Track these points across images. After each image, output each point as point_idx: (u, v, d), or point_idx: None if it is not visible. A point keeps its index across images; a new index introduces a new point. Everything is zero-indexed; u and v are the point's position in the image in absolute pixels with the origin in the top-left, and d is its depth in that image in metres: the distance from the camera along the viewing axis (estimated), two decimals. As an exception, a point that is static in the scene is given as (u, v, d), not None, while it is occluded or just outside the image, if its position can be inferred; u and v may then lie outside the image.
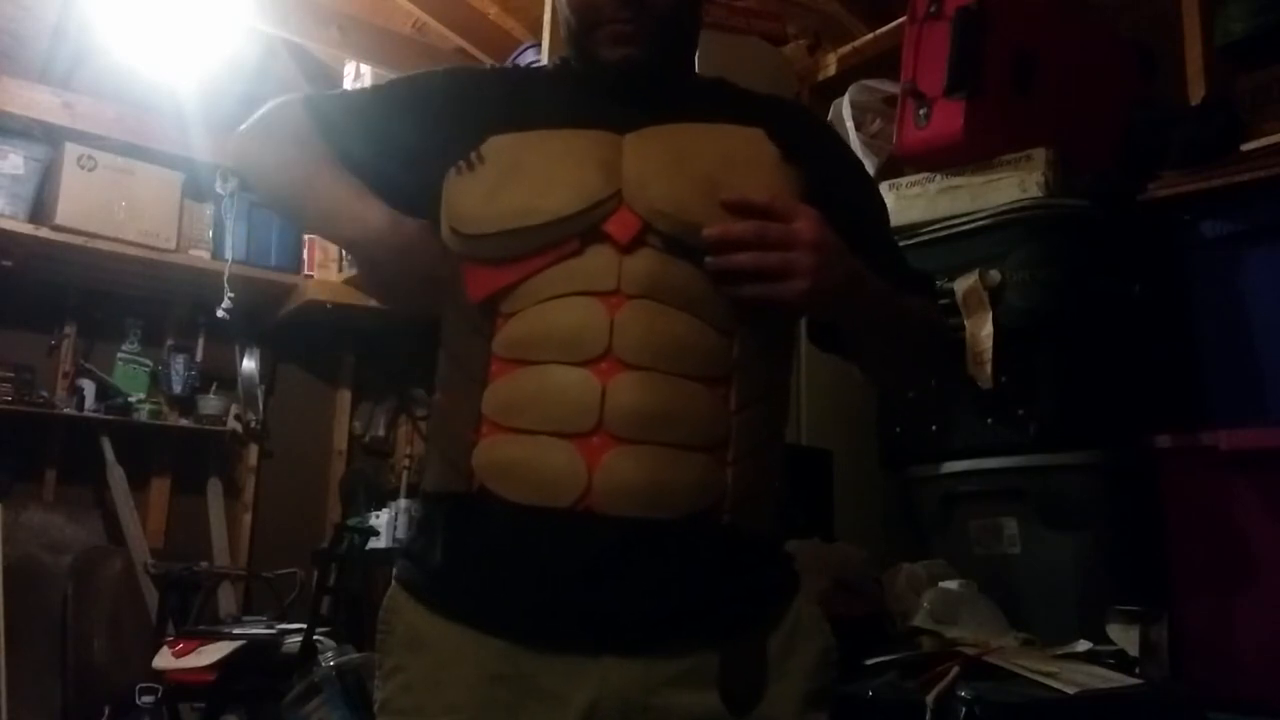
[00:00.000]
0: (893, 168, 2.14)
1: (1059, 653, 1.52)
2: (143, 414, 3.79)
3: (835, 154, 1.20)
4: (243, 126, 1.17)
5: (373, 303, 1.18)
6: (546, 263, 0.98)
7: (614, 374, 0.94)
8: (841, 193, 1.10)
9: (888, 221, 1.25)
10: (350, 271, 3.72)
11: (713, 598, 0.96)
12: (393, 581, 1.05)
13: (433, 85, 1.16)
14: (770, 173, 1.04)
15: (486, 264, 1.00)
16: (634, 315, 0.96)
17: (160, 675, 2.98)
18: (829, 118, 2.35)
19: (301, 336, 4.19)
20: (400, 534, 3.54)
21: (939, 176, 1.95)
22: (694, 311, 0.97)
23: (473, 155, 1.03)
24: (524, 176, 1.02)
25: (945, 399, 1.85)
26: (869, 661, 1.43)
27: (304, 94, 1.21)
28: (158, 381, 3.94)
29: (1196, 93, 2.04)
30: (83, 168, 3.55)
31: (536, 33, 2.88)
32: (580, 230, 0.98)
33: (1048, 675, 1.36)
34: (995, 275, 1.76)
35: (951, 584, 1.64)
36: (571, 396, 0.94)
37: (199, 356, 4.05)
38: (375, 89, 1.24)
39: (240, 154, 1.24)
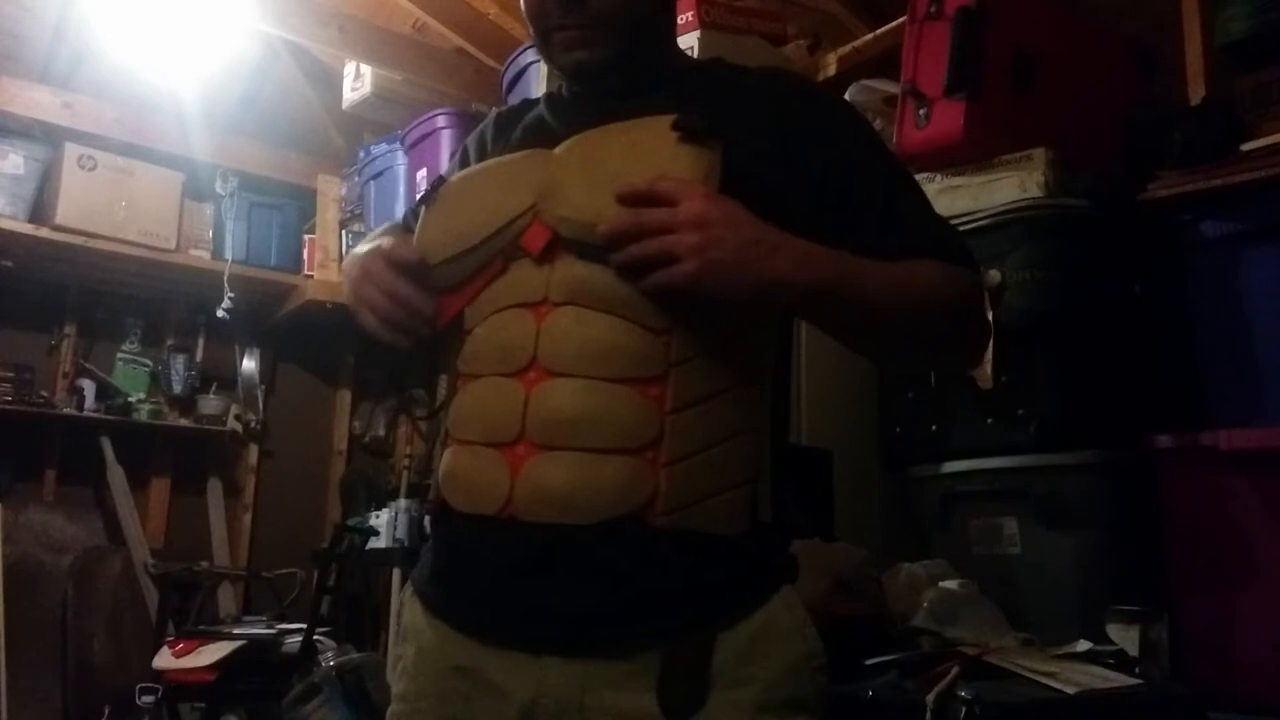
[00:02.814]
0: (893, 168, 2.14)
1: (1059, 653, 1.52)
2: (143, 414, 3.79)
3: (810, 117, 1.09)
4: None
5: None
6: (485, 282, 1.03)
7: (538, 382, 0.97)
8: (807, 159, 1.04)
9: (894, 181, 1.09)
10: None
11: (646, 601, 0.95)
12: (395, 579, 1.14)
13: (467, 148, 1.25)
14: (670, 158, 0.99)
15: (447, 291, 1.06)
16: (558, 322, 0.98)
17: (160, 675, 2.98)
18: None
19: (301, 336, 4.19)
20: (400, 534, 3.54)
21: (939, 176, 1.95)
22: (620, 313, 0.96)
23: (437, 191, 1.12)
24: (462, 206, 1.09)
25: (947, 384, 1.85)
26: (869, 661, 1.43)
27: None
28: (158, 381, 3.94)
29: (1196, 93, 2.04)
30: (83, 168, 3.55)
31: (536, 33, 2.88)
32: (502, 248, 1.02)
33: (1048, 675, 1.36)
34: (995, 275, 1.76)
35: (951, 584, 1.64)
36: (497, 407, 0.98)
37: (199, 356, 4.05)
38: None
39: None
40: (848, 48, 2.73)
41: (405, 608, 1.10)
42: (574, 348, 0.96)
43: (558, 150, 1.05)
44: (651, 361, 0.96)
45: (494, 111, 1.28)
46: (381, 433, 4.38)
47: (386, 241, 1.09)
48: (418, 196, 1.24)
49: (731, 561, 0.99)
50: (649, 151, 1.00)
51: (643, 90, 1.10)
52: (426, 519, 1.18)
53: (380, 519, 3.71)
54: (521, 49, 2.78)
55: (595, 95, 1.12)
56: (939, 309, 1.03)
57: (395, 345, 1.07)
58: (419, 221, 1.13)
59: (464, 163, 1.21)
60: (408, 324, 1.04)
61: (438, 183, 1.14)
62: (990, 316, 1.73)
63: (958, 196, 1.90)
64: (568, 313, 0.98)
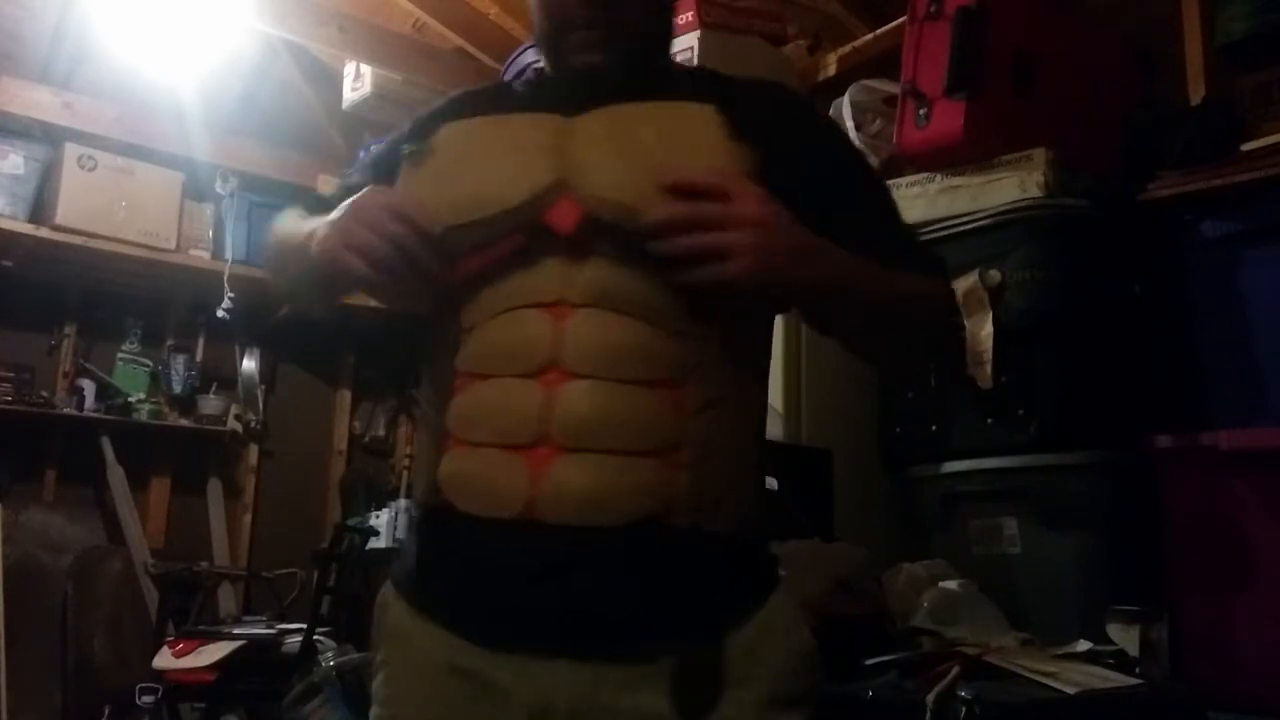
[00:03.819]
0: (893, 168, 2.14)
1: (1059, 653, 1.52)
2: (143, 414, 3.78)
3: (810, 129, 1.14)
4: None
5: (373, 302, 1.12)
6: (496, 256, 0.99)
7: (559, 384, 0.95)
8: (816, 169, 1.06)
9: (880, 195, 1.17)
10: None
11: (665, 602, 0.95)
12: (387, 579, 1.10)
13: (399, 131, 1.19)
14: (714, 150, 1.00)
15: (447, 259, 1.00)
16: (580, 325, 0.96)
17: (160, 675, 2.98)
18: (829, 118, 2.35)
19: (301, 336, 4.19)
20: (400, 534, 3.54)
21: (939, 176, 1.95)
22: (642, 316, 0.96)
23: (425, 144, 1.05)
24: (471, 166, 1.03)
25: (947, 384, 1.85)
26: (869, 661, 1.43)
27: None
28: (158, 381, 3.94)
29: (1196, 93, 2.04)
30: (83, 168, 3.55)
31: (536, 33, 2.88)
32: (523, 221, 0.98)
33: (1048, 675, 1.36)
34: (995, 275, 1.77)
35: (951, 584, 1.64)
36: (515, 409, 0.96)
37: (199, 356, 4.04)
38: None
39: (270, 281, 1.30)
40: (848, 48, 2.73)
41: (386, 609, 1.07)
42: (598, 350, 0.95)
43: (580, 121, 1.03)
44: (672, 365, 0.96)
45: (445, 98, 1.18)
46: (381, 433, 4.38)
47: (382, 192, 1.02)
48: (372, 151, 1.20)
49: (739, 561, 1.01)
50: (690, 141, 1.01)
51: (644, 90, 1.08)
52: (412, 518, 1.15)
53: (380, 519, 3.71)
54: (521, 49, 2.78)
55: (592, 86, 1.08)
56: (937, 316, 1.11)
57: (384, 298, 1.03)
58: (399, 181, 1.06)
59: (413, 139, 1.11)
60: (406, 275, 0.95)
61: (413, 138, 1.08)
62: (990, 317, 1.76)
63: (958, 196, 1.90)
64: (590, 315, 0.96)
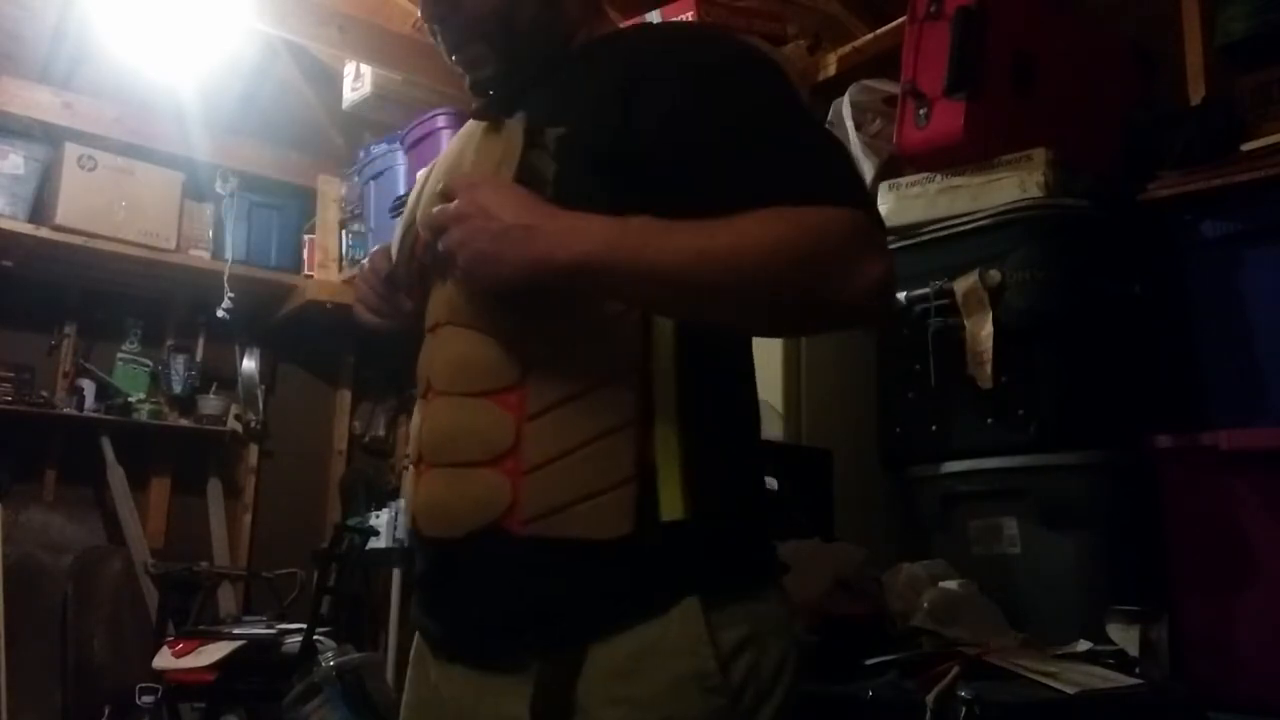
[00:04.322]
0: (893, 168, 2.14)
1: (1059, 653, 1.51)
2: (143, 414, 3.79)
3: (655, 70, 0.98)
4: None
5: None
6: (421, 282, 1.12)
7: (431, 402, 1.03)
8: (642, 115, 0.94)
9: (746, 126, 0.93)
10: (350, 271, 3.72)
11: (521, 610, 0.94)
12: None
13: None
14: (474, 152, 1.07)
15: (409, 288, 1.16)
16: (438, 343, 1.04)
17: (160, 675, 2.98)
18: (829, 118, 2.35)
19: (301, 336, 4.19)
20: (400, 534, 3.54)
21: (939, 176, 1.95)
22: (478, 327, 0.99)
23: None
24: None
25: (947, 384, 1.85)
26: (869, 661, 1.43)
27: None
28: (158, 381, 3.94)
29: (1196, 93, 2.04)
30: (83, 168, 3.55)
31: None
32: (408, 248, 1.12)
33: (1048, 675, 1.35)
34: (995, 275, 1.76)
35: (951, 584, 1.64)
36: (414, 429, 1.07)
37: (199, 356, 4.05)
38: None
39: None
40: (848, 48, 2.73)
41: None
42: (444, 366, 1.02)
43: (443, 153, 1.15)
44: (506, 371, 0.96)
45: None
46: (381, 433, 4.38)
47: (379, 246, 1.22)
48: None
49: (610, 570, 0.92)
50: (487, 147, 1.05)
51: (536, 82, 1.07)
52: None
53: (380, 519, 3.71)
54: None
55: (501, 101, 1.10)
56: (771, 263, 0.85)
57: (379, 330, 1.19)
58: None
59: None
60: (384, 311, 1.18)
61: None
62: (990, 317, 1.75)
63: (958, 196, 1.90)
64: (442, 333, 1.03)
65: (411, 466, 1.06)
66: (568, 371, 0.95)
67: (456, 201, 0.92)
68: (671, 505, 0.92)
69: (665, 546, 0.92)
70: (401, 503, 3.80)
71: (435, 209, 0.95)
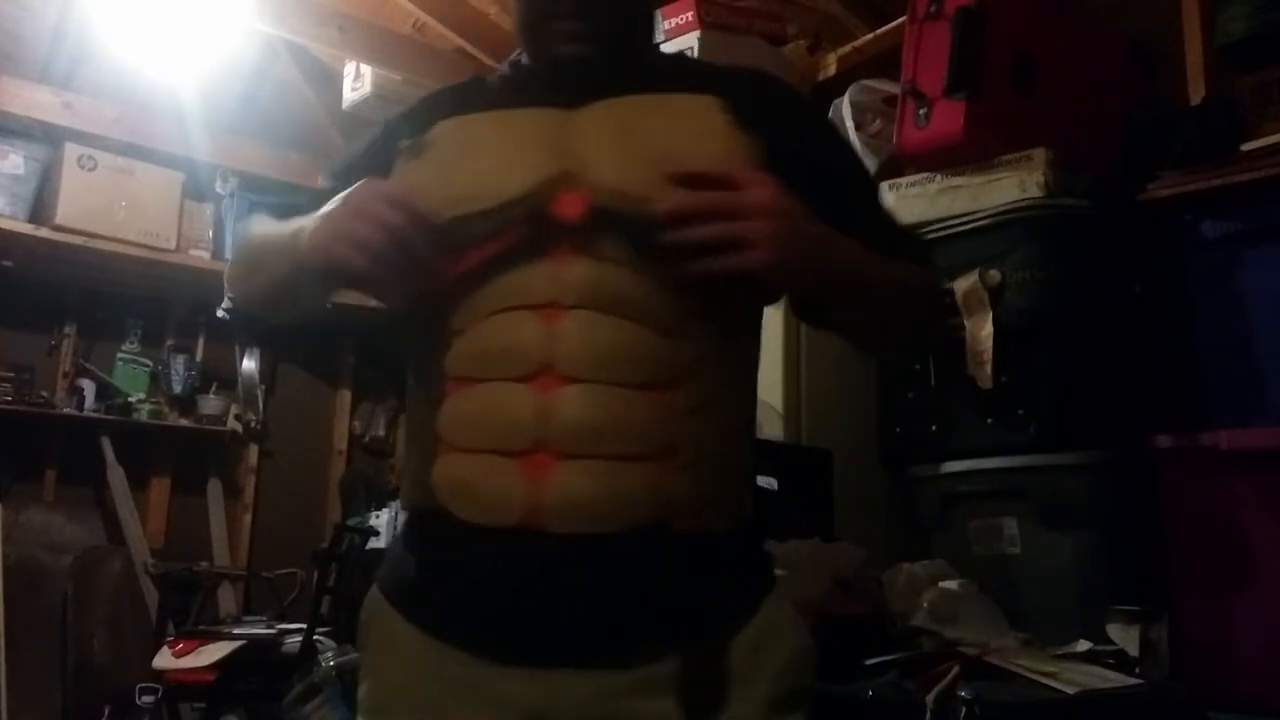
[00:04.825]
0: (893, 168, 2.14)
1: (1059, 653, 1.52)
2: (143, 414, 3.78)
3: (804, 119, 1.16)
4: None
5: (373, 302, 1.09)
6: (500, 248, 0.96)
7: (553, 388, 0.92)
8: (812, 158, 1.06)
9: (870, 184, 1.23)
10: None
11: (668, 606, 0.94)
12: (373, 584, 1.09)
13: (372, 134, 1.17)
14: (721, 141, 0.99)
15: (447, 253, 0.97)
16: (572, 327, 0.93)
17: (160, 675, 2.98)
18: (829, 118, 2.35)
19: (301, 336, 4.19)
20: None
21: (939, 176, 1.95)
22: (634, 318, 0.94)
23: (420, 139, 1.03)
24: (473, 158, 1.01)
25: (947, 384, 1.85)
26: (869, 661, 1.43)
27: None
28: (158, 381, 3.94)
29: (1196, 93, 2.04)
30: (83, 168, 3.55)
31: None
32: (529, 212, 0.95)
33: (1048, 675, 1.36)
34: (995, 275, 1.76)
35: (951, 584, 1.64)
36: (509, 415, 0.93)
37: (199, 356, 4.04)
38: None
39: (232, 288, 1.29)
40: (848, 48, 2.73)
41: (375, 615, 1.06)
42: (591, 353, 0.93)
43: (580, 114, 1.01)
44: (665, 367, 0.94)
45: (426, 95, 1.17)
46: (381, 433, 4.38)
47: (379, 182, 0.99)
48: (363, 149, 1.15)
49: (737, 561, 1.01)
50: (698, 132, 1.00)
51: (627, 73, 1.07)
52: (403, 523, 1.12)
53: (380, 519, 3.71)
54: (521, 49, 2.78)
55: (579, 78, 1.06)
56: (929, 300, 1.16)
57: (382, 295, 1.00)
58: (395, 173, 1.04)
59: (386, 143, 1.09)
60: (404, 267, 0.92)
61: (407, 133, 1.05)
62: (990, 317, 1.75)
63: (958, 196, 1.90)
64: (581, 317, 0.93)
65: (498, 455, 0.93)
66: (717, 372, 0.98)
67: (760, 193, 0.92)
68: (747, 502, 1.02)
69: (753, 541, 1.05)
70: (403, 501, 3.80)
71: (721, 194, 0.92)
